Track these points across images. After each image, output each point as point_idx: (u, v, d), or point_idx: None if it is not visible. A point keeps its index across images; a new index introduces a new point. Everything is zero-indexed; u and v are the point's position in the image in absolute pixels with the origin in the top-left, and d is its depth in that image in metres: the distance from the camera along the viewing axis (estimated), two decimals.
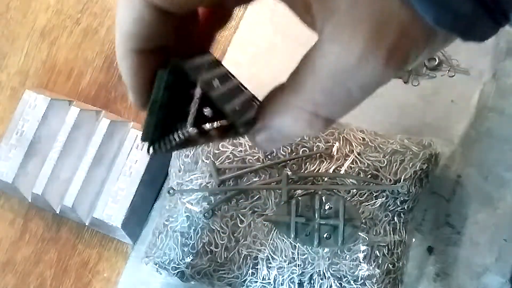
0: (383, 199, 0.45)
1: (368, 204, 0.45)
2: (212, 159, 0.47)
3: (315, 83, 0.20)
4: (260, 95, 0.24)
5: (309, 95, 0.20)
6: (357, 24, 0.18)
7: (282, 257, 0.46)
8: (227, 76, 0.24)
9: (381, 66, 0.19)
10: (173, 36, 0.21)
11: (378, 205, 0.45)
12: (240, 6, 0.25)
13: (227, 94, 0.22)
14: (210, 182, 0.47)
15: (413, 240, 0.49)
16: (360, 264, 0.44)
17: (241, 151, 0.47)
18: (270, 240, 0.46)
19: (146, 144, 0.22)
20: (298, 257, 0.45)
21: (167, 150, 0.22)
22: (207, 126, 0.21)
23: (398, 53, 0.19)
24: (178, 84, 0.21)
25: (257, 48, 0.58)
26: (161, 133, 0.22)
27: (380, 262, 0.44)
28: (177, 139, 0.22)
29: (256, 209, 0.47)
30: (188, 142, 0.22)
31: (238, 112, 0.21)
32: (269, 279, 0.46)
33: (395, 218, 0.45)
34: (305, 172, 0.46)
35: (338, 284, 0.44)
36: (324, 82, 0.20)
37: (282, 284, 0.45)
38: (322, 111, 0.20)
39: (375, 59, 0.19)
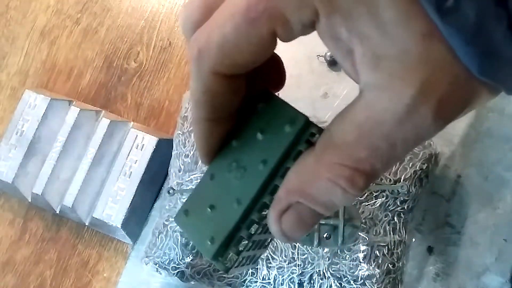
0: (383, 199, 0.45)
1: (368, 204, 0.45)
2: None
3: (358, 137, 0.18)
4: None
5: (351, 150, 0.18)
6: (409, 72, 0.17)
7: (282, 257, 0.45)
8: None
9: (430, 119, 0.17)
10: (239, 102, 0.21)
11: (378, 205, 0.45)
12: None
13: None
14: None
15: (413, 240, 0.48)
16: (360, 264, 0.44)
17: None
18: None
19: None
20: (298, 257, 0.45)
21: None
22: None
23: (448, 106, 0.18)
24: None
25: None
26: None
27: (380, 262, 0.44)
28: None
29: None
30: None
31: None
32: (269, 279, 0.46)
33: (395, 218, 0.45)
34: None
35: (338, 284, 0.44)
36: (369, 135, 0.18)
37: (282, 284, 0.45)
38: (364, 166, 0.18)
39: (425, 111, 0.17)
